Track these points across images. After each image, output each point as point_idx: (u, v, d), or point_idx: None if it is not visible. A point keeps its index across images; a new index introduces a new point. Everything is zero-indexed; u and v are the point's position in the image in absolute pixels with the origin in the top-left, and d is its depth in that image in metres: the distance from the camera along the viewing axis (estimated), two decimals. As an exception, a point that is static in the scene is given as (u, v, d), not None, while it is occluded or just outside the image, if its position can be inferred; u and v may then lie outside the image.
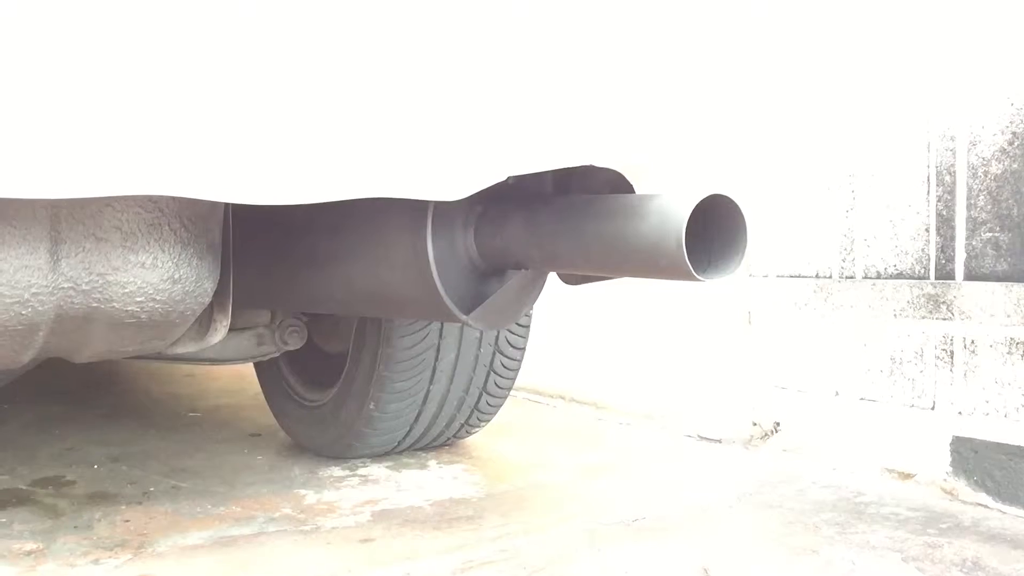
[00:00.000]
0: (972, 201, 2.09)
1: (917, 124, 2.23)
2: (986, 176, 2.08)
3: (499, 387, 2.56)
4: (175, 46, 1.16)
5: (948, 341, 2.16)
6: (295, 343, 2.51)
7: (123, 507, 2.17)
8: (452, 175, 1.27)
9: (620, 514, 2.11)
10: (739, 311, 2.74)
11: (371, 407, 2.39)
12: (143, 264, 1.38)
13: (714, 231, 1.27)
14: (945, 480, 2.23)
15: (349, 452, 2.55)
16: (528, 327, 2.53)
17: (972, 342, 2.10)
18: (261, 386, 2.91)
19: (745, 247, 1.26)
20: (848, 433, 2.43)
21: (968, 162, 2.10)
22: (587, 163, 1.40)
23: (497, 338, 2.47)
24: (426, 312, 1.56)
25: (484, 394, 2.55)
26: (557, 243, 1.39)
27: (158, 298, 1.42)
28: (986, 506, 2.13)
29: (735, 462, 2.60)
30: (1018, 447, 2.06)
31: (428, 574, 1.75)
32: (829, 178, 2.46)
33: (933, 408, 2.21)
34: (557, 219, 1.40)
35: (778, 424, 2.63)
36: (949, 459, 2.21)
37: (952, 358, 2.15)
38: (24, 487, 2.35)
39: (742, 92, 2.61)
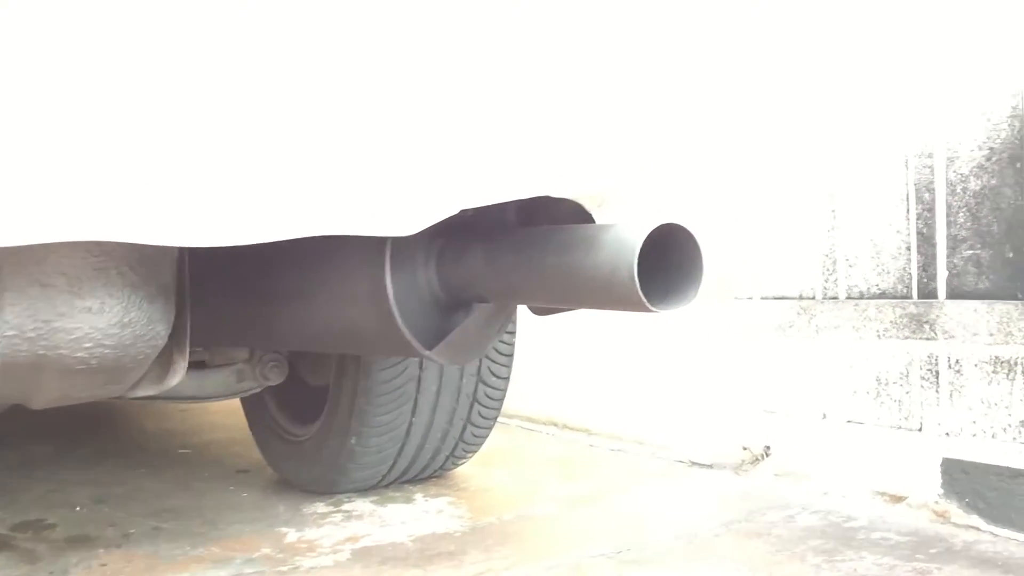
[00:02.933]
0: (952, 218, 2.06)
1: (895, 141, 2.20)
2: (965, 193, 2.05)
3: (484, 417, 2.53)
4: (102, 94, 1.14)
5: (933, 361, 2.12)
6: (276, 378, 2.49)
7: (101, 551, 2.14)
8: (402, 210, 1.25)
9: (604, 546, 2.07)
10: (727, 334, 2.71)
11: (353, 442, 2.36)
12: (90, 309, 1.36)
13: (671, 260, 1.25)
14: (937, 503, 2.18)
15: (333, 488, 2.52)
16: (511, 356, 2.49)
17: (957, 362, 2.07)
18: (248, 421, 2.89)
19: (701, 276, 1.24)
20: (837, 457, 2.39)
21: (947, 179, 2.07)
22: (541, 194, 1.38)
23: (480, 368, 2.44)
24: (389, 348, 1.54)
25: (469, 425, 2.52)
26: (516, 276, 1.37)
27: (107, 343, 1.40)
28: (978, 528, 2.09)
29: (724, 488, 2.55)
30: (1008, 468, 2.02)
31: (404, 614, 1.72)
32: (810, 197, 2.43)
33: (920, 430, 2.17)
34: (515, 251, 1.38)
35: (768, 448, 2.60)
36: (940, 481, 2.17)
37: (937, 378, 2.12)
38: (3, 532, 2.33)
39: (718, 112, 2.59)
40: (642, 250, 1.23)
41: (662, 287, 1.25)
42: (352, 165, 1.25)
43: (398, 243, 1.44)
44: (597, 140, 1.42)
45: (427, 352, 1.47)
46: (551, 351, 3.42)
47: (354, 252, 1.47)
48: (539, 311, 1.62)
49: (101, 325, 1.37)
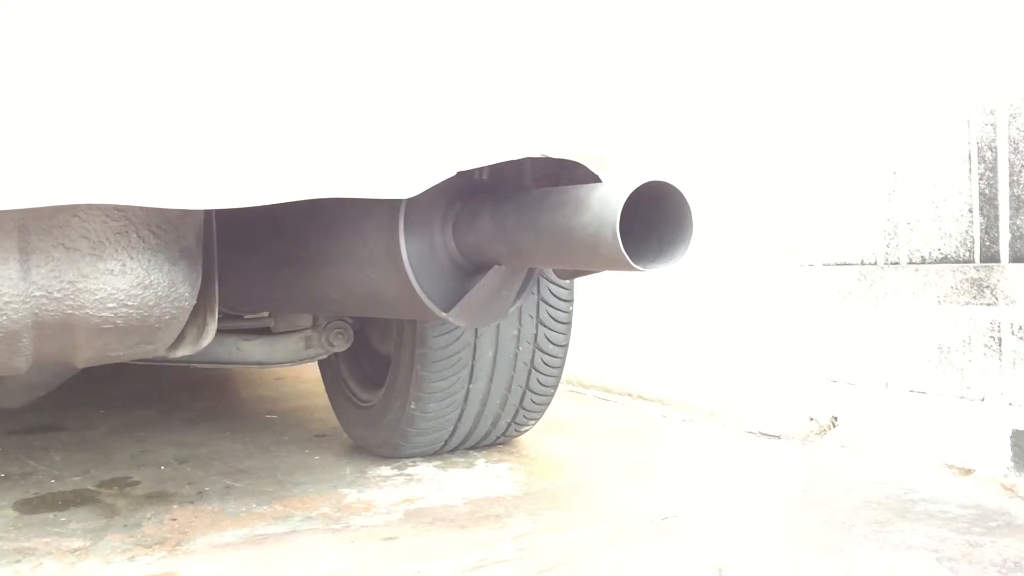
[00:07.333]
0: (1015, 178, 1.95)
1: (956, 98, 2.09)
2: (1028, 150, 1.93)
3: (543, 384, 2.54)
4: (121, 61, 1.21)
5: (995, 328, 2.02)
6: (341, 345, 2.57)
7: (175, 506, 2.26)
8: (401, 174, 1.27)
9: (651, 512, 2.07)
10: (793, 302, 2.64)
11: (412, 407, 2.42)
12: (112, 271, 1.44)
13: (663, 219, 1.23)
14: (1006, 476, 2.09)
15: (397, 452, 2.58)
16: (568, 324, 2.50)
17: (1020, 328, 1.96)
18: (325, 387, 2.99)
19: (690, 235, 1.22)
20: (903, 427, 2.31)
21: (1009, 136, 1.95)
22: (536, 155, 1.37)
23: (536, 336, 2.46)
24: (409, 310, 1.57)
25: (528, 392, 2.54)
26: (517, 236, 1.38)
27: (130, 303, 1.48)
28: (1048, 503, 1.99)
29: (788, 459, 2.50)
30: (1077, 440, 1.92)
31: (439, 572, 1.76)
32: (871, 159, 2.34)
33: (983, 400, 2.08)
34: (516, 212, 1.38)
35: (836, 419, 2.53)
36: (1010, 453, 2.07)
37: (1000, 346, 2.01)
38: (92, 487, 2.48)
39: (778, 76, 2.52)
40: (641, 209, 1.22)
41: (656, 245, 1.24)
42: (354, 131, 1.28)
43: (413, 207, 1.47)
44: (593, 99, 1.41)
45: (443, 314, 1.50)
46: (627, 322, 3.41)
47: (373, 217, 1.51)
48: (560, 274, 1.62)
49: (123, 286, 1.45)
